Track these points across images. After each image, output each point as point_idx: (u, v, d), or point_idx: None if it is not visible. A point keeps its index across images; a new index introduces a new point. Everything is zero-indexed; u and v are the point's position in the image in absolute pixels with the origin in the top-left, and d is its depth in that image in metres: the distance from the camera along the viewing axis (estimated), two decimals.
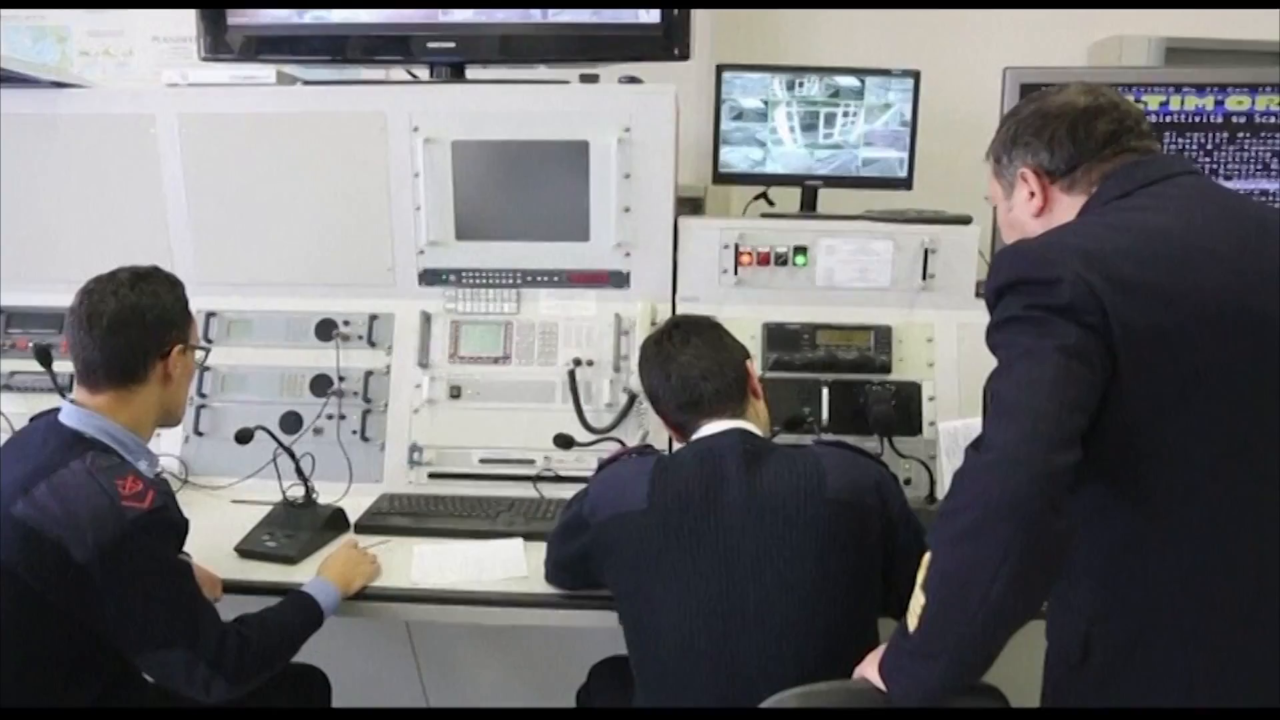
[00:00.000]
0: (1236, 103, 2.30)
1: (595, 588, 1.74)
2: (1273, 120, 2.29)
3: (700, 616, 1.48)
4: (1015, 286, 1.16)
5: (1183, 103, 2.31)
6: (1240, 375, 1.12)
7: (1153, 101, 2.34)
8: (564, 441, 2.17)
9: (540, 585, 1.82)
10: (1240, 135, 2.30)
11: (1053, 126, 1.32)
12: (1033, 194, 1.35)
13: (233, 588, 1.80)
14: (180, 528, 1.51)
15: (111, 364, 1.53)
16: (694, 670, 1.48)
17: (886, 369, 2.27)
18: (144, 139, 2.32)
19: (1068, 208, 1.32)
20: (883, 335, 2.28)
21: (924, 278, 2.29)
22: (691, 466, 1.57)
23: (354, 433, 2.27)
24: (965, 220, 2.34)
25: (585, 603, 1.78)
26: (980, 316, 2.24)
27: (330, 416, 2.27)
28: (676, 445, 1.75)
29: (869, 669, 1.22)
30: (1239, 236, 1.18)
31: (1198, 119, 2.30)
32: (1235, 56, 2.74)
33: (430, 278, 2.34)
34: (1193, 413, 1.12)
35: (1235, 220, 1.20)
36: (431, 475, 2.26)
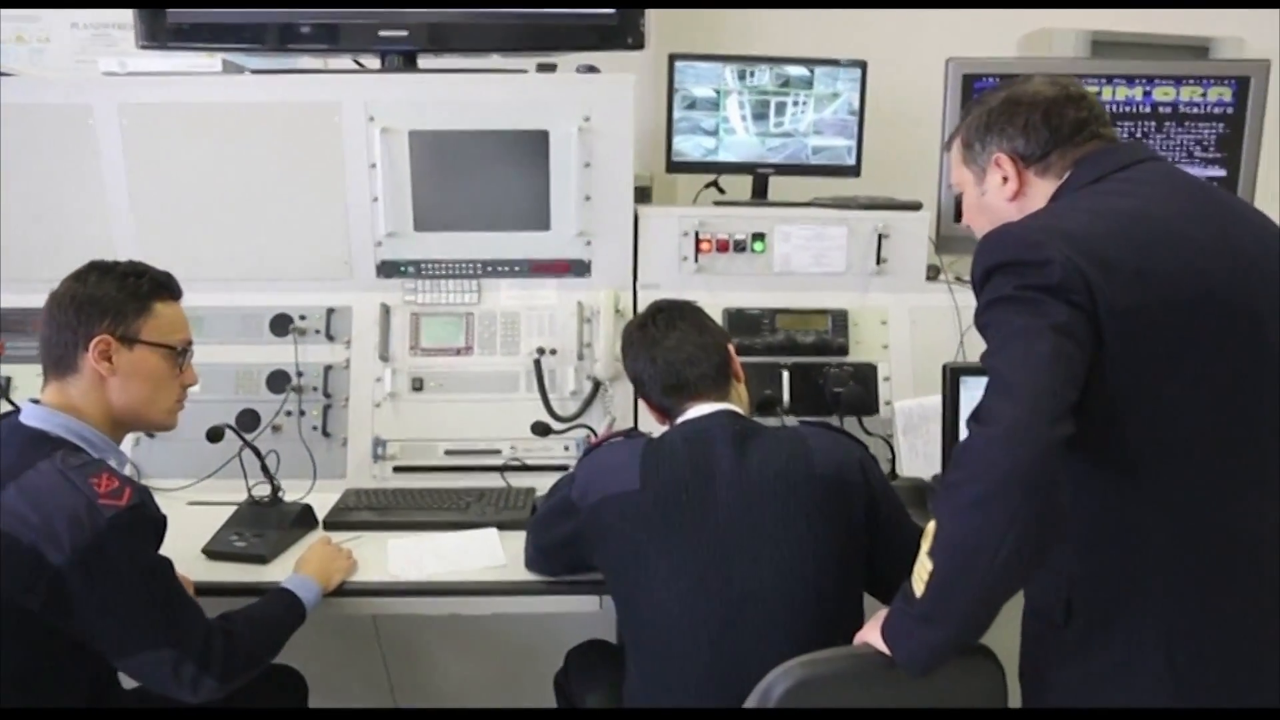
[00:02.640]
0: (1163, 93, 2.42)
1: (578, 572, 1.76)
2: (1196, 110, 2.42)
3: (695, 595, 1.50)
4: (1005, 268, 1.21)
5: (1114, 93, 2.42)
6: (1213, 351, 1.19)
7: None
8: (541, 429, 2.18)
9: (519, 573, 1.82)
10: (1167, 124, 2.43)
11: (1027, 113, 1.38)
12: (1006, 179, 1.40)
13: (205, 590, 1.75)
14: (160, 524, 1.46)
15: (43, 352, 1.50)
16: (690, 648, 1.50)
17: (844, 351, 2.33)
18: (81, 130, 2.23)
19: (1041, 191, 1.38)
20: (839, 319, 2.34)
21: (878, 262, 2.36)
22: (681, 448, 1.59)
23: (315, 429, 2.23)
24: (915, 206, 2.41)
25: (568, 588, 1.79)
26: (930, 299, 2.40)
27: (289, 413, 2.23)
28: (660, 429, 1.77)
29: (871, 635, 1.26)
30: (1206, 219, 1.25)
31: (1128, 109, 2.42)
32: (1155, 50, 2.89)
33: (389, 270, 2.31)
34: (1170, 387, 1.19)
35: (1202, 204, 1.28)
36: (397, 469, 2.24)
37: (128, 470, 2.14)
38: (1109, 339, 1.16)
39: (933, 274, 2.44)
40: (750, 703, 1.26)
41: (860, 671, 1.23)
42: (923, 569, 1.15)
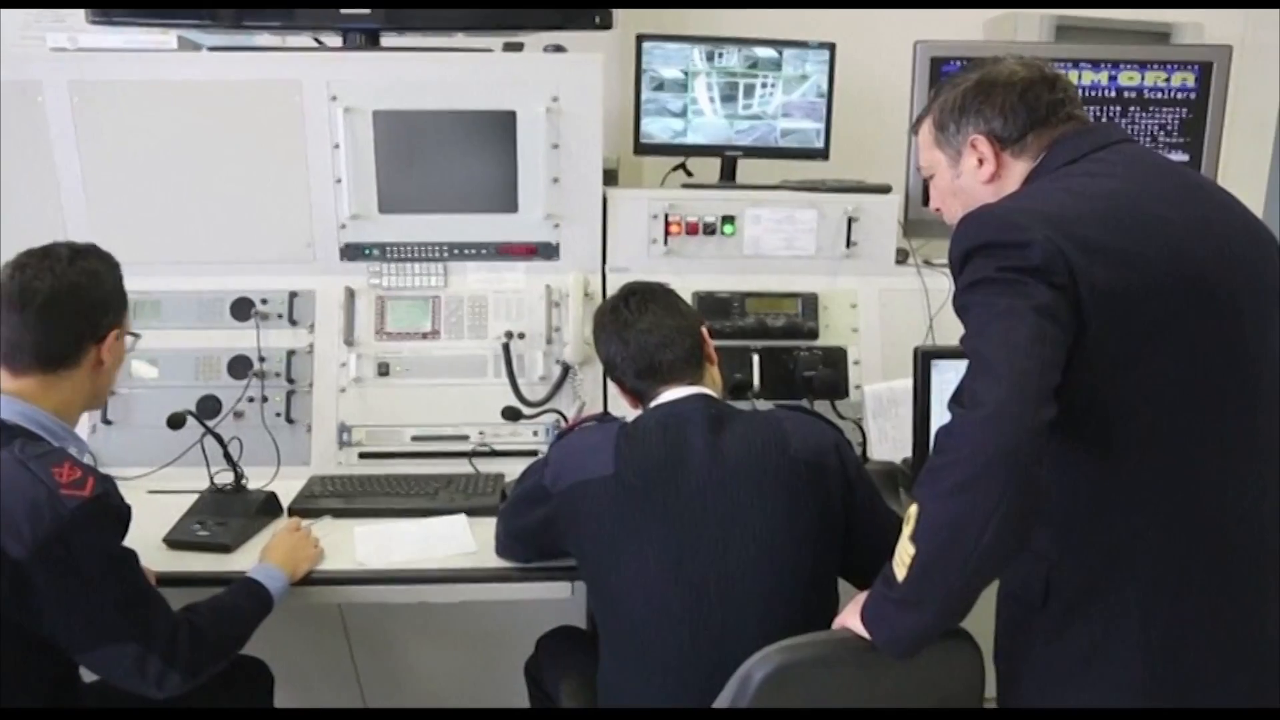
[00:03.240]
0: (1128, 78, 2.44)
1: (550, 558, 1.74)
2: (1160, 95, 2.45)
3: (670, 581, 1.49)
4: (985, 249, 1.20)
5: (1080, 77, 2.44)
6: (1192, 334, 1.19)
7: None
8: (511, 414, 2.15)
9: (490, 559, 1.80)
10: (1131, 109, 2.45)
11: (1003, 94, 1.37)
12: (982, 161, 1.39)
13: (167, 580, 1.70)
14: (124, 514, 1.42)
15: (42, 347, 1.42)
16: (665, 634, 1.49)
17: (814, 335, 2.33)
18: (30, 108, 2.15)
19: (1016, 174, 1.37)
20: (809, 302, 2.34)
21: (847, 245, 2.36)
22: (655, 432, 1.57)
23: (278, 415, 2.19)
24: (885, 189, 2.42)
25: (540, 574, 1.77)
26: (899, 282, 2.41)
27: (251, 399, 2.18)
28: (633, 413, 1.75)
29: (850, 619, 1.26)
30: (1183, 201, 1.25)
31: (1094, 93, 2.44)
32: (1118, 35, 2.91)
33: (352, 253, 2.26)
34: (1149, 369, 1.19)
35: (1177, 186, 1.28)
36: (362, 455, 2.20)
37: (87, 459, 2.09)
38: (1090, 321, 1.16)
39: (901, 257, 2.45)
40: (729, 690, 1.25)
41: (840, 656, 1.23)
42: (904, 553, 1.14)
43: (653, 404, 1.66)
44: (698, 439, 1.55)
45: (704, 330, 1.74)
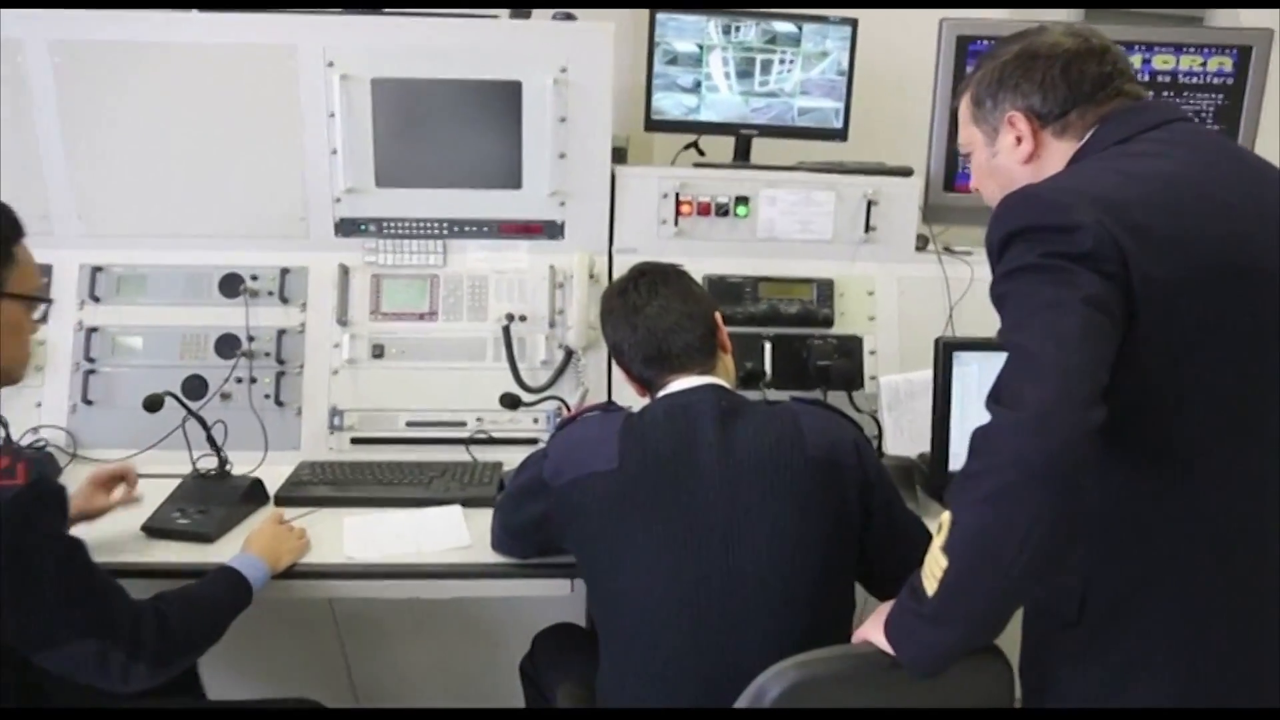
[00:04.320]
0: (1162, 62, 2.33)
1: (548, 554, 1.65)
2: (1195, 80, 2.34)
3: (674, 581, 1.40)
4: (1028, 233, 1.10)
5: None
6: (1245, 328, 1.10)
7: None
8: (510, 401, 2.05)
9: (485, 554, 1.72)
10: (1165, 94, 2.34)
11: (1044, 68, 1.26)
12: (1020, 139, 1.28)
13: (144, 571, 1.62)
14: (63, 499, 1.31)
15: None
16: (669, 636, 1.40)
17: (829, 323, 2.23)
18: (9, 68, 2.04)
19: (1058, 153, 1.26)
20: (825, 288, 2.24)
21: (866, 230, 2.25)
22: (663, 424, 1.48)
23: (267, 397, 2.09)
24: (906, 172, 2.31)
25: (538, 571, 1.69)
26: (919, 270, 2.30)
27: (239, 380, 2.08)
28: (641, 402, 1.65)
29: (873, 633, 1.16)
30: (1242, 185, 1.15)
31: None
32: (1149, 18, 2.80)
33: (348, 228, 2.16)
34: (1200, 367, 1.09)
35: (1238, 168, 1.18)
36: (354, 441, 2.11)
37: (62, 440, 2.00)
38: (1141, 314, 1.05)
39: (921, 244, 2.35)
40: (742, 704, 1.15)
41: (859, 672, 1.13)
42: (935, 565, 1.04)
43: (661, 393, 1.57)
44: (707, 433, 1.45)
45: (718, 316, 1.64)
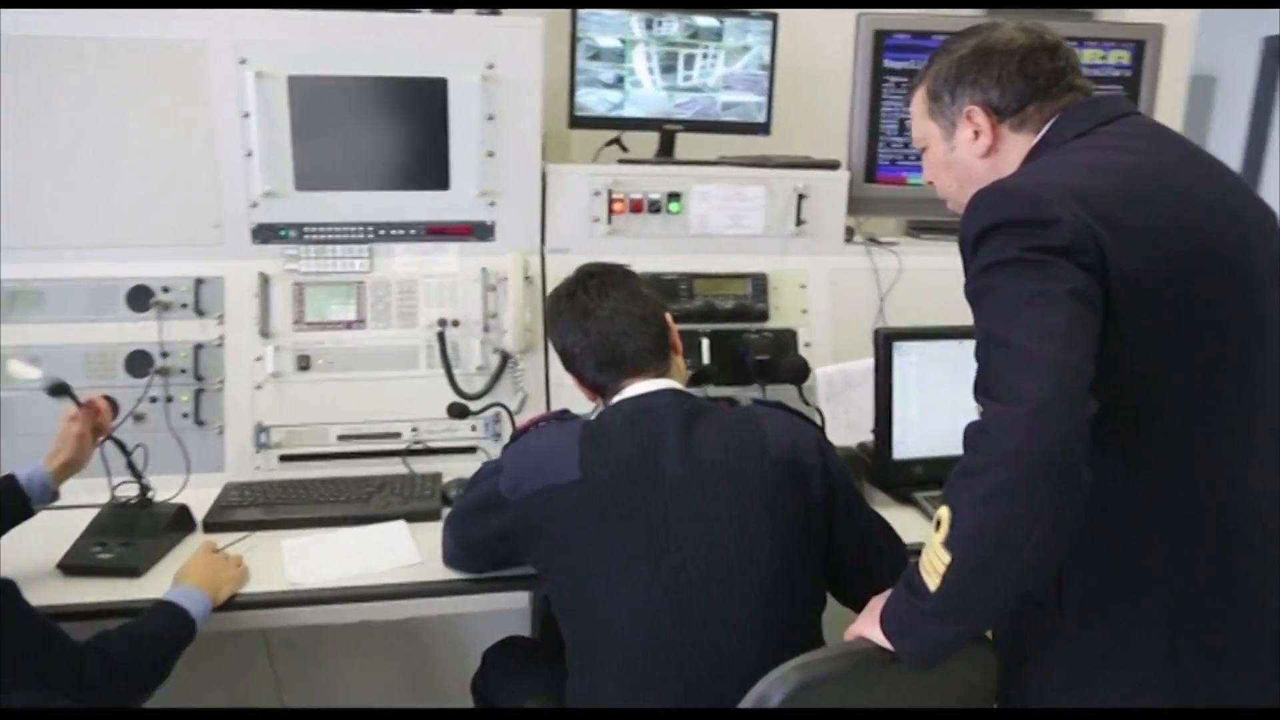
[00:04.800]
0: None
1: (505, 568, 1.61)
2: (1097, 72, 2.44)
3: (647, 590, 1.37)
4: (1005, 227, 1.11)
5: None
6: (1211, 317, 1.14)
7: None
8: (459, 410, 1.98)
9: (437, 570, 1.65)
10: None
11: (1000, 63, 1.28)
12: (978, 133, 1.30)
13: (64, 614, 1.48)
14: None
15: None
16: (645, 645, 1.37)
17: (764, 317, 2.23)
18: None
19: (1016, 147, 1.29)
20: (759, 283, 2.24)
21: (797, 224, 2.27)
22: (625, 431, 1.44)
23: (185, 416, 1.96)
24: (834, 165, 2.33)
25: (495, 584, 1.63)
26: (848, 261, 2.33)
27: (154, 400, 1.95)
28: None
29: (869, 629, 1.16)
30: (1201, 176, 1.20)
31: None
32: (1045, 13, 2.90)
33: (265, 234, 2.04)
34: (1172, 356, 1.12)
35: (1193, 161, 1.22)
36: (283, 458, 2.00)
37: None
38: (1117, 306, 1.08)
39: (847, 236, 2.38)
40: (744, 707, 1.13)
41: (859, 669, 1.13)
42: (937, 561, 1.04)
43: (617, 398, 1.53)
44: (671, 438, 1.43)
45: (668, 317, 1.61)
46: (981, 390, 1.06)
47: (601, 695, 1.43)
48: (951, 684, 1.20)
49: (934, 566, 1.05)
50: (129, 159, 1.95)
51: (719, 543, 1.38)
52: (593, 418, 1.67)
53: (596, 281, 1.60)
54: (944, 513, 1.05)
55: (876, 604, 1.18)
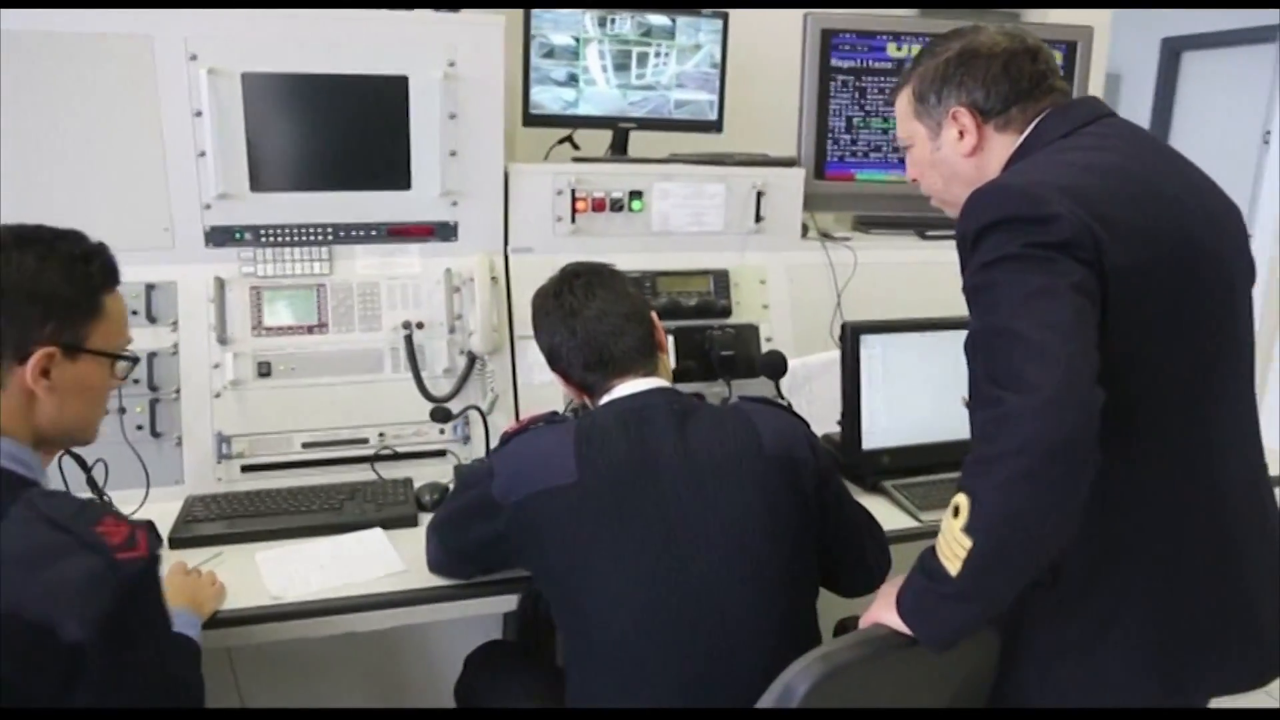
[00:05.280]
0: None
1: (495, 572, 1.59)
2: None
3: (649, 590, 1.37)
4: (1005, 224, 1.14)
5: None
6: (1198, 311, 1.20)
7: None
8: (442, 414, 1.94)
9: (422, 577, 1.62)
10: None
11: (985, 65, 1.32)
12: (963, 133, 1.34)
13: None
14: None
15: None
16: (648, 645, 1.37)
17: (727, 313, 2.26)
18: None
19: (1000, 147, 1.33)
20: (721, 279, 2.27)
21: (756, 220, 2.30)
22: (618, 431, 1.44)
23: (140, 428, 1.87)
24: (791, 162, 2.37)
25: (488, 589, 1.61)
26: (806, 257, 2.37)
27: (107, 411, 1.85)
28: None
29: (885, 614, 1.18)
30: (1178, 176, 1.26)
31: None
32: (976, 14, 3.01)
33: (220, 237, 1.97)
34: (1159, 348, 1.18)
35: (1168, 160, 1.28)
36: (246, 469, 1.93)
37: None
38: (1112, 298, 1.13)
39: (802, 231, 2.42)
40: (768, 700, 1.15)
41: (881, 655, 1.16)
42: (958, 545, 1.08)
43: (607, 398, 1.53)
44: (665, 437, 1.43)
45: (654, 315, 1.62)
46: (990, 379, 1.10)
47: (602, 693, 1.42)
48: (960, 663, 1.24)
49: (954, 552, 1.09)
50: (72, 159, 1.85)
51: (717, 539, 1.39)
52: (569, 414, 1.67)
53: (582, 281, 1.59)
54: (962, 499, 1.08)
55: (890, 591, 1.21)
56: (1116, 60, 3.86)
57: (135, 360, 1.29)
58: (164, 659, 1.14)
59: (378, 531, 1.76)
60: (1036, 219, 1.13)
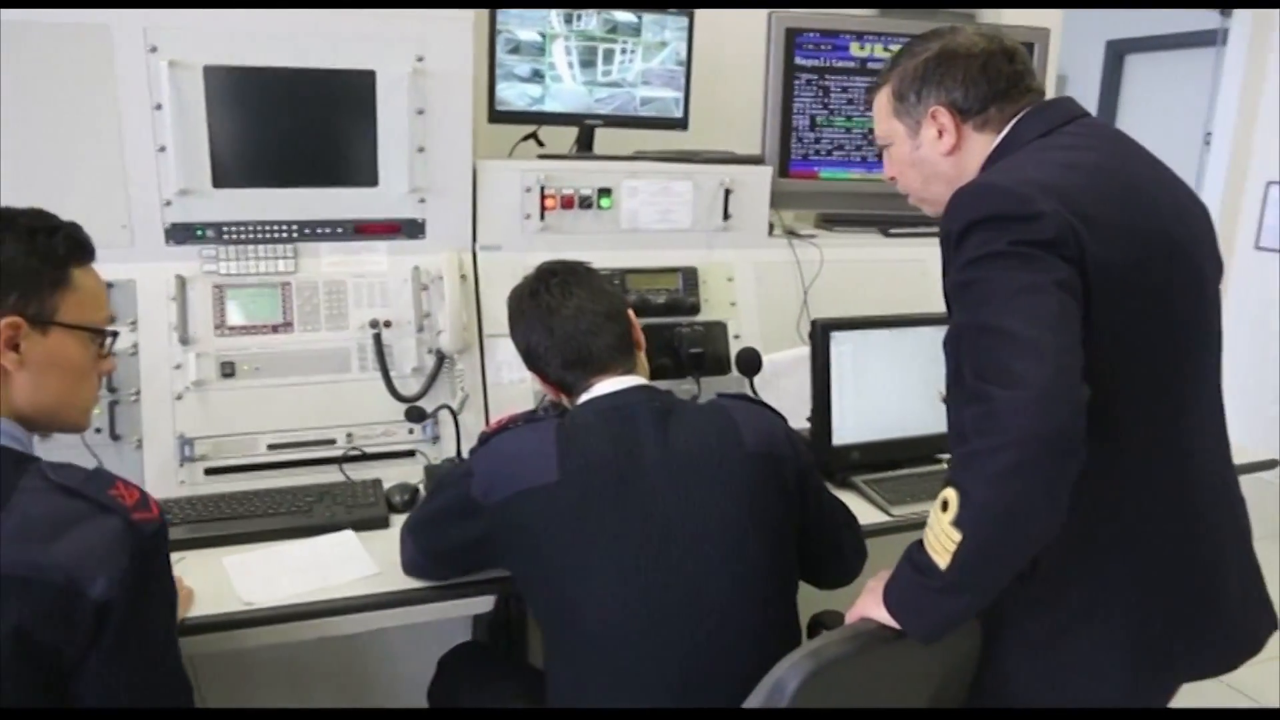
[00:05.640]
0: None
1: (473, 573, 1.58)
2: None
3: (634, 588, 1.37)
4: (990, 222, 1.16)
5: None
6: (1170, 305, 1.23)
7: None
8: (416, 414, 1.91)
9: (396, 580, 1.60)
10: None
11: (964, 65, 1.34)
12: (942, 132, 1.36)
13: None
14: None
15: None
16: (638, 637, 1.37)
17: (696, 310, 2.26)
18: None
19: (979, 146, 1.35)
20: (689, 276, 2.27)
21: (724, 218, 2.31)
22: (600, 429, 1.44)
23: (99, 431, 1.82)
24: (757, 160, 2.38)
25: (467, 590, 1.59)
26: (773, 254, 2.39)
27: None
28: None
29: (872, 609, 1.20)
30: (1153, 175, 1.29)
31: None
32: (933, 15, 3.05)
33: (180, 234, 1.92)
34: (1137, 342, 1.21)
35: (1141, 159, 1.31)
36: (209, 471, 1.89)
37: None
38: (1094, 294, 1.15)
39: (768, 229, 2.44)
40: (756, 698, 1.16)
41: (870, 649, 1.17)
42: (947, 539, 1.09)
43: (585, 396, 1.53)
44: (647, 435, 1.43)
45: (631, 313, 1.62)
46: (976, 378, 1.11)
47: (586, 691, 1.42)
48: (945, 654, 1.26)
49: (943, 545, 1.10)
50: (27, 155, 1.79)
51: (700, 536, 1.40)
52: (543, 411, 1.66)
53: (559, 280, 1.58)
54: (951, 494, 1.10)
55: (876, 585, 1.23)
56: (1064, 61, 3.94)
57: (114, 335, 1.27)
58: (173, 623, 1.19)
59: (349, 534, 1.73)
60: (1022, 217, 1.15)
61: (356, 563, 1.65)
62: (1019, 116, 1.33)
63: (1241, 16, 4.18)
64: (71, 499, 1.06)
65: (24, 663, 1.01)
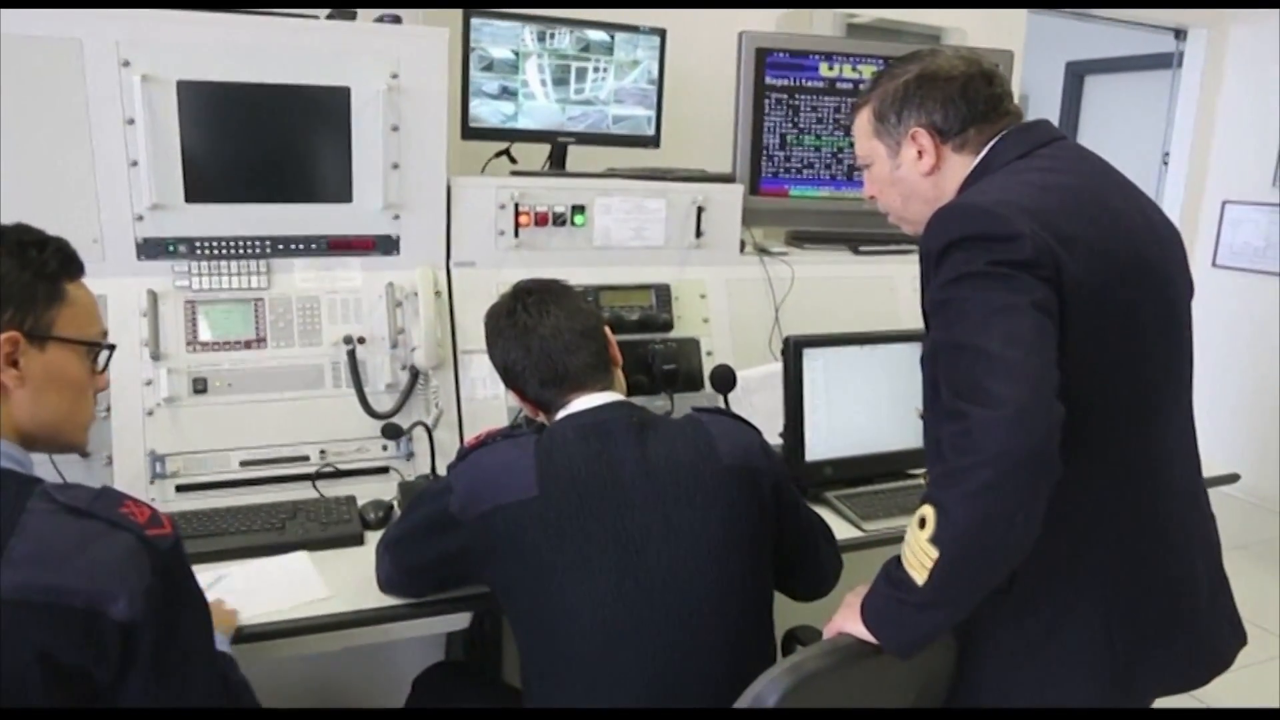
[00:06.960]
0: None
1: (450, 589, 1.58)
2: None
3: (613, 602, 1.37)
4: (969, 242, 1.18)
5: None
6: (1144, 325, 1.26)
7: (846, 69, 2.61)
8: (393, 431, 1.91)
9: (351, 601, 1.58)
10: None
11: (944, 88, 1.37)
12: (922, 153, 1.38)
13: None
14: None
15: None
16: (616, 651, 1.38)
17: (669, 327, 2.28)
18: None
19: (958, 167, 1.38)
20: (662, 293, 2.29)
21: (696, 235, 2.33)
22: (578, 445, 1.45)
23: None
24: (730, 178, 2.41)
25: (444, 606, 1.59)
26: (745, 271, 2.42)
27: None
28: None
29: (850, 624, 1.21)
30: (1128, 197, 1.32)
31: None
32: (900, 36, 3.12)
33: (152, 250, 1.90)
34: (1111, 361, 1.24)
35: (1119, 182, 1.35)
36: (181, 488, 1.87)
37: None
38: (1070, 314, 1.18)
39: (740, 246, 2.46)
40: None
41: (848, 664, 1.19)
42: (924, 555, 1.11)
43: (564, 413, 1.53)
44: (625, 450, 1.45)
45: (607, 330, 1.63)
46: (953, 396, 1.14)
47: (564, 705, 1.42)
48: (921, 668, 1.27)
49: (920, 562, 1.12)
50: None
51: (678, 551, 1.41)
52: (521, 428, 1.66)
53: (535, 298, 1.59)
54: (929, 511, 1.12)
55: (853, 600, 1.25)
56: (1026, 82, 4.04)
57: (111, 348, 1.26)
58: (210, 633, 1.16)
59: (302, 554, 1.70)
60: (1000, 237, 1.17)
61: (306, 586, 1.61)
62: (997, 138, 1.36)
63: (1196, 39, 4.31)
64: (81, 519, 1.03)
65: (55, 686, 0.99)
